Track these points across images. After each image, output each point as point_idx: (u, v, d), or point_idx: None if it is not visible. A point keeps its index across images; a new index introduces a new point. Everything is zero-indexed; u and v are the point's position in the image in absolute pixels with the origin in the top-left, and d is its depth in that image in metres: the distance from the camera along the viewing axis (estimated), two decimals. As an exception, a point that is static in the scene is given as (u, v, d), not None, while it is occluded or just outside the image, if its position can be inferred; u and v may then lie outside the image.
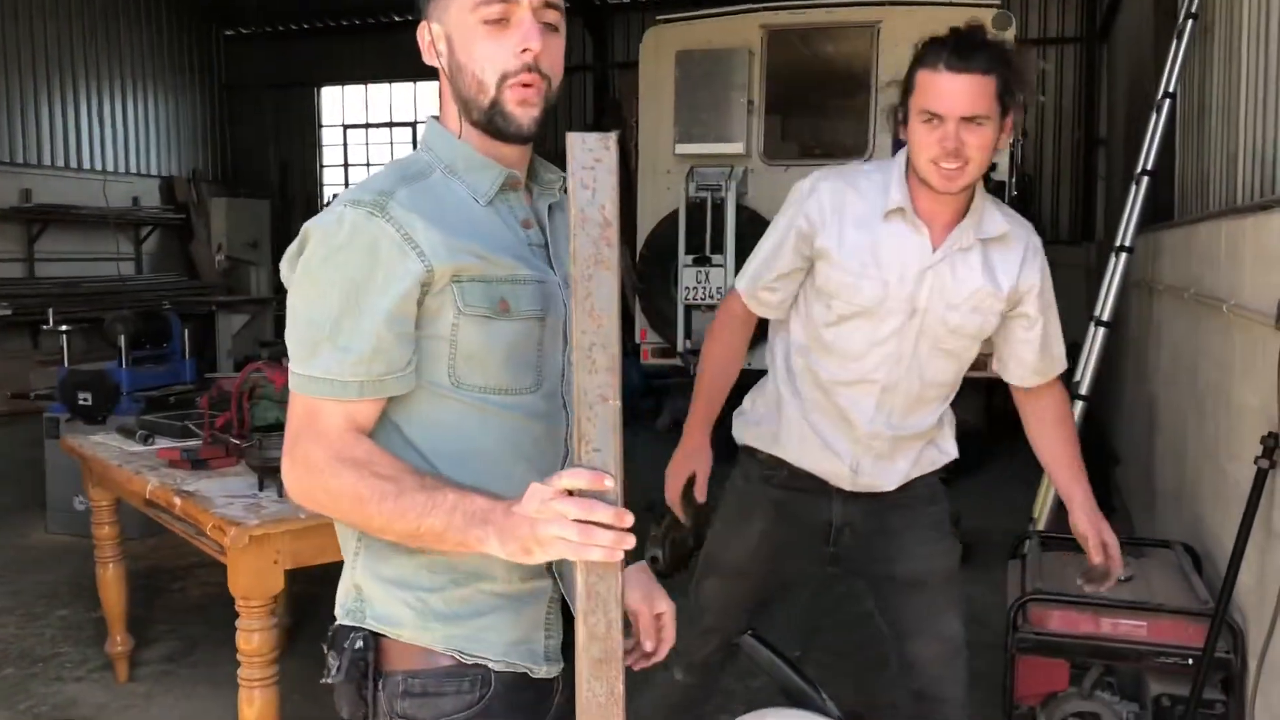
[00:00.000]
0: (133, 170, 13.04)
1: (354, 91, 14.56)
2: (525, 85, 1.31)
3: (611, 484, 1.09)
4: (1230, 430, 2.95)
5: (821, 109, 7.51)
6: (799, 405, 2.26)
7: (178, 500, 2.82)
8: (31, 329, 9.97)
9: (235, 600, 2.60)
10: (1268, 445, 2.40)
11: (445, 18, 1.33)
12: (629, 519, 1.10)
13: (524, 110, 1.32)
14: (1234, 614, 2.62)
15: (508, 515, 1.16)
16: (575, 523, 1.09)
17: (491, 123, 1.33)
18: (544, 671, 1.39)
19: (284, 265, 1.31)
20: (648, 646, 1.53)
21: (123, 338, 5.76)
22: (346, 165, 14.60)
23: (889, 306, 2.12)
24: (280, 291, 1.32)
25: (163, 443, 3.48)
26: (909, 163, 2.08)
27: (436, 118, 1.41)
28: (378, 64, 13.49)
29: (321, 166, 14.74)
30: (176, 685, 3.70)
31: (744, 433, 2.39)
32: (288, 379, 1.28)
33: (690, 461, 2.34)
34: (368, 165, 14.39)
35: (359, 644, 1.34)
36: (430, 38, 1.36)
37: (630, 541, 1.10)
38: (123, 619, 3.71)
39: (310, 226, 1.28)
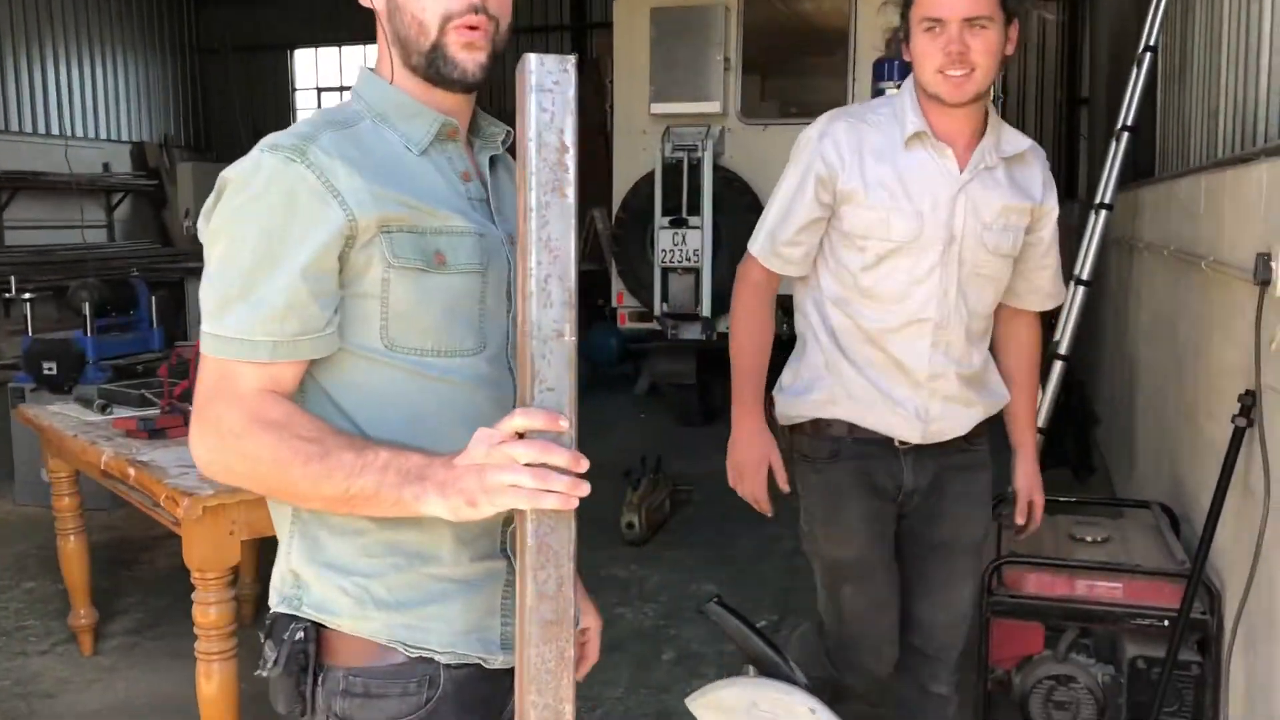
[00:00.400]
0: (103, 136, 12.85)
1: (328, 54, 14.33)
2: (471, 28, 1.21)
3: (567, 425, 1.02)
4: (1209, 389, 2.91)
5: (799, 67, 7.42)
6: (848, 361, 2.15)
7: (132, 471, 2.75)
8: (1, 298, 9.81)
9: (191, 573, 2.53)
10: (1245, 404, 2.36)
11: None
12: (585, 463, 1.02)
13: (469, 54, 1.22)
14: (1210, 574, 2.59)
15: (449, 468, 1.07)
16: (528, 468, 1.01)
17: (433, 67, 1.23)
18: (499, 661, 1.28)
19: (201, 218, 1.20)
20: None
21: (87, 306, 5.66)
22: (321, 129, 14.42)
23: (926, 237, 2.05)
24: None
25: (121, 412, 3.40)
26: (917, 88, 2.03)
27: (372, 70, 1.31)
28: (352, 26, 13.22)
29: (296, 131, 14.53)
30: (141, 658, 3.63)
31: (791, 407, 2.22)
32: None
33: (760, 448, 2.20)
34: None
35: (299, 635, 1.23)
36: None
37: (585, 488, 1.02)
38: (86, 592, 3.64)
39: (226, 175, 1.18)
